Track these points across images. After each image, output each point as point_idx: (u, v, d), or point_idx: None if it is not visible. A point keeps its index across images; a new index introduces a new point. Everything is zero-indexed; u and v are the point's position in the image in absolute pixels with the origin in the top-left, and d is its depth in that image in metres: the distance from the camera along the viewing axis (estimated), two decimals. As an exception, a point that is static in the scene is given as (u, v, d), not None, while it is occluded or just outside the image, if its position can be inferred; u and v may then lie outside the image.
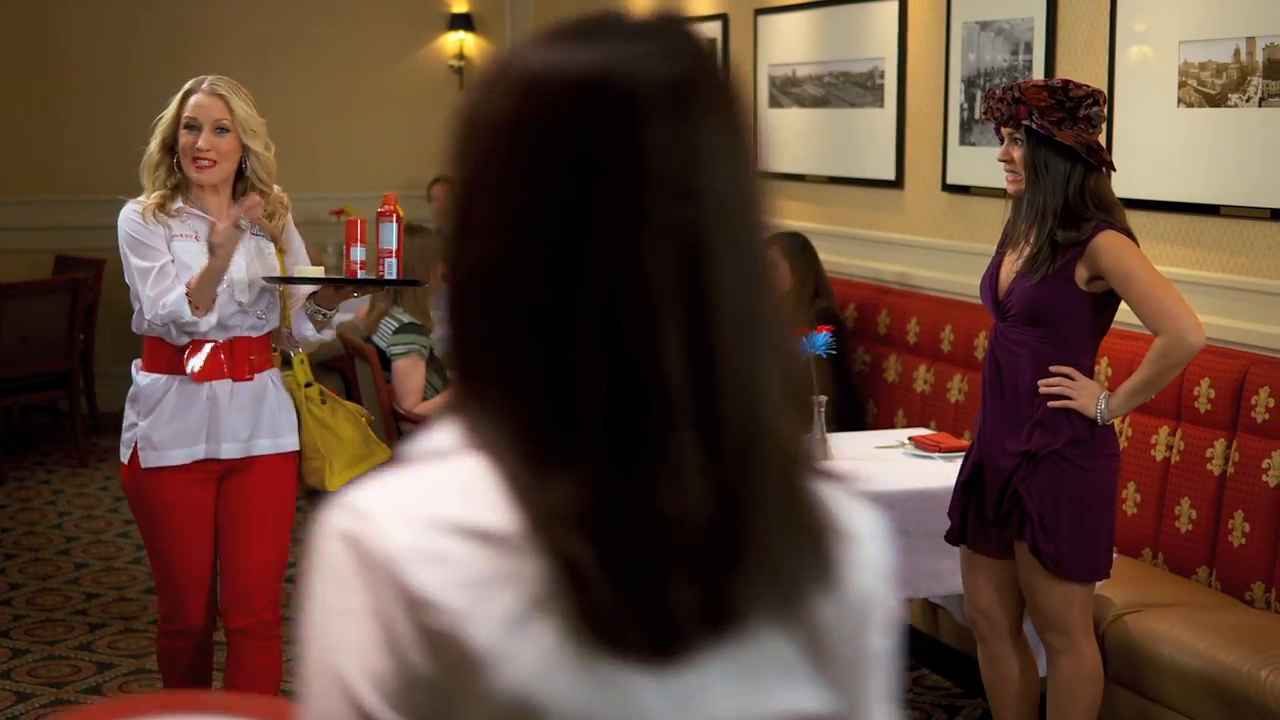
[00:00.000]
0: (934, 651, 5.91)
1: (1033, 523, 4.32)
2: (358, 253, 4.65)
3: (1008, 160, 4.36)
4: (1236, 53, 5.47)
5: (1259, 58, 5.38)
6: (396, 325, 6.53)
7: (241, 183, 4.61)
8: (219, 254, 4.39)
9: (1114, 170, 4.38)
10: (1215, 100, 5.58)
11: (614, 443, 1.21)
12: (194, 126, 4.50)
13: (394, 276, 4.67)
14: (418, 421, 6.45)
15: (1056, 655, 4.49)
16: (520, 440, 1.22)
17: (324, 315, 4.64)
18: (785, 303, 1.34)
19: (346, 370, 7.25)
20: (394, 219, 4.70)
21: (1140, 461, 5.42)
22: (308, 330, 4.63)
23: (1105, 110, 4.35)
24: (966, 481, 4.55)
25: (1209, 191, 5.67)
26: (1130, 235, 4.34)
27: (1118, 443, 4.50)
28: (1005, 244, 4.52)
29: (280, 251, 4.65)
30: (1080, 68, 6.24)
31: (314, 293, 4.60)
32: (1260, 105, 5.39)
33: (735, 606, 1.24)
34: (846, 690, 1.32)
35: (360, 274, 4.59)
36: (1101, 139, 4.40)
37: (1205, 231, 5.73)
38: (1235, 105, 5.50)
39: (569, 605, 1.20)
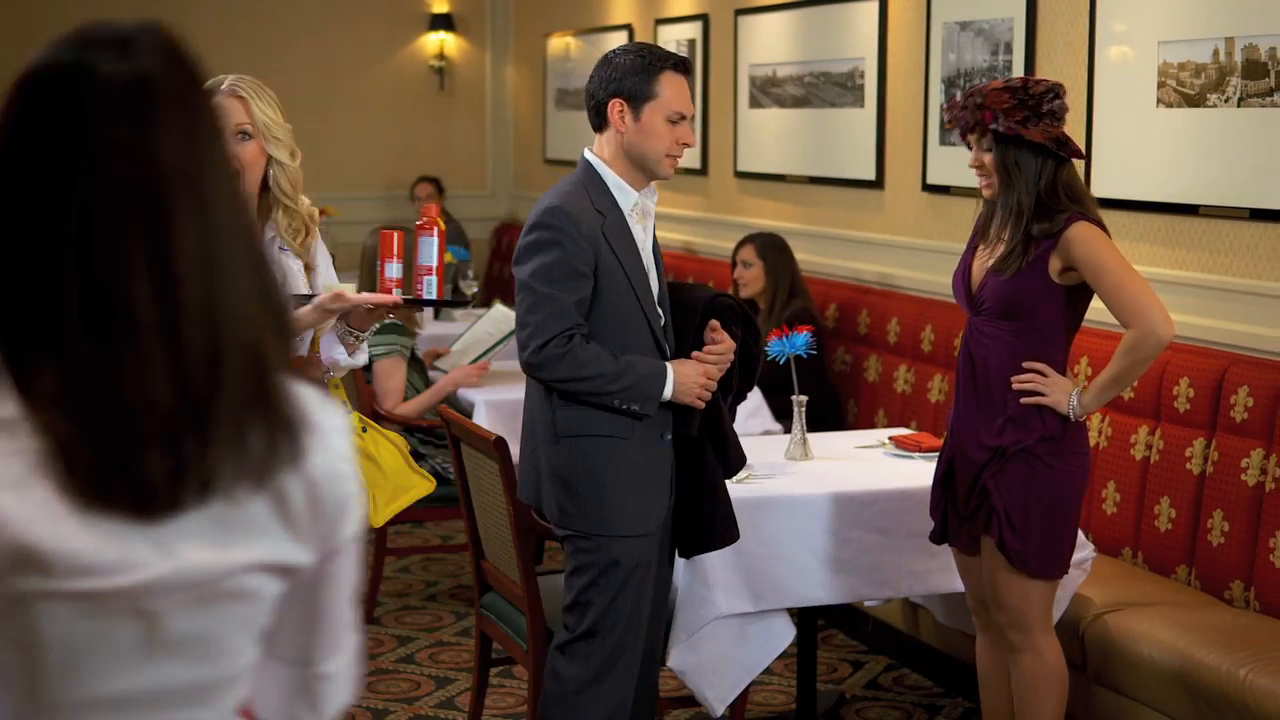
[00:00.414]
0: (915, 651, 5.92)
1: (1000, 519, 4.31)
2: (393, 269, 4.15)
3: (979, 166, 4.36)
4: (1215, 53, 5.49)
5: (1238, 58, 5.39)
6: (378, 325, 6.51)
7: (266, 196, 4.05)
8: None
9: (1083, 158, 4.37)
10: (1194, 100, 5.60)
11: (91, 348, 1.57)
12: None
13: (434, 295, 4.17)
14: (398, 422, 6.44)
15: (1018, 653, 4.47)
16: (17, 346, 1.59)
17: (356, 338, 4.14)
18: (257, 234, 1.69)
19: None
20: (434, 232, 4.14)
21: (1120, 461, 5.43)
22: (339, 354, 4.15)
23: (1067, 101, 4.33)
24: (943, 478, 4.56)
25: (1188, 191, 5.68)
26: (1102, 227, 4.34)
27: (1089, 441, 4.49)
28: (977, 239, 4.52)
29: (308, 269, 4.16)
30: (1060, 68, 6.26)
31: (346, 314, 4.07)
32: (1239, 105, 5.41)
33: (207, 475, 1.60)
34: (313, 546, 1.70)
35: (396, 292, 4.09)
36: (1069, 130, 4.40)
37: (1184, 231, 5.75)
38: (1214, 105, 5.52)
39: (59, 470, 1.56)
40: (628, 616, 4.25)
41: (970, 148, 4.40)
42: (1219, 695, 4.41)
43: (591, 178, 4.26)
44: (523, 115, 12.24)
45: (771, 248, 7.07)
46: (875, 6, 7.53)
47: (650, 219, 4.35)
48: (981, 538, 4.42)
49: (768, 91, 8.58)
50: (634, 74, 4.21)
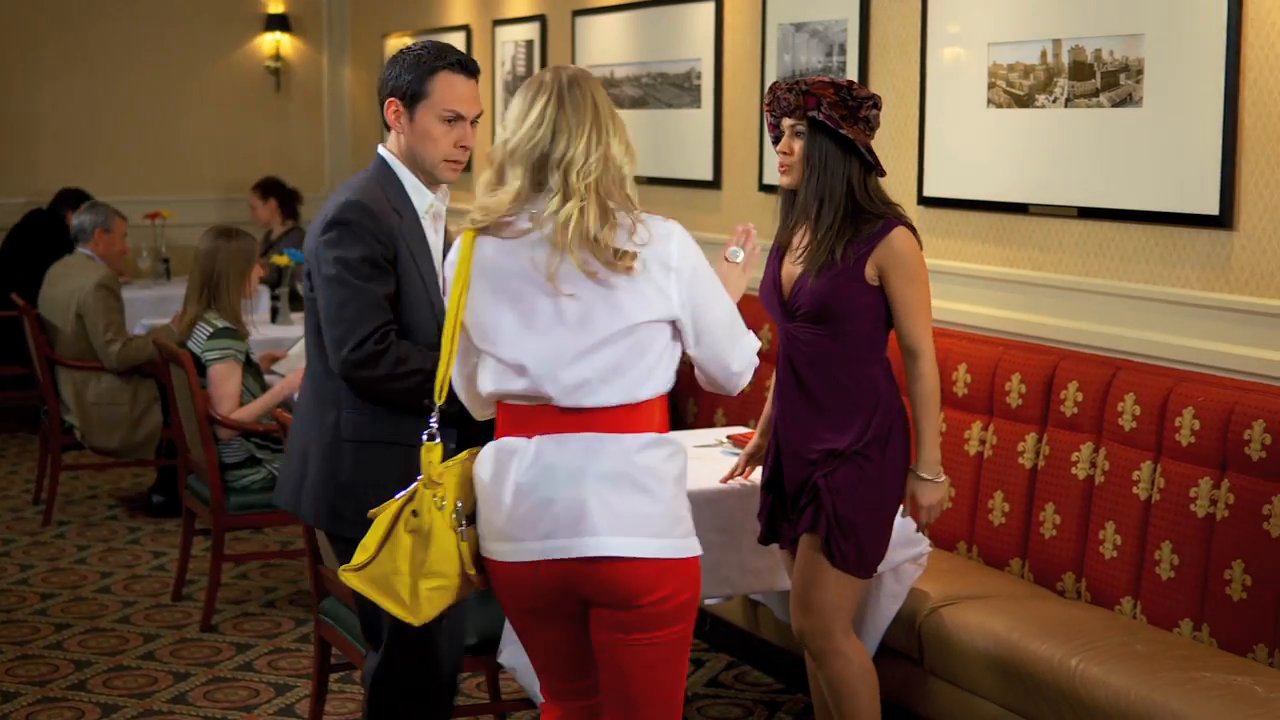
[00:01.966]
0: (754, 648, 5.95)
1: (828, 517, 4.33)
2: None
3: (787, 153, 4.38)
4: (1044, 54, 5.58)
5: (1065, 59, 5.49)
6: (211, 330, 6.44)
7: None
8: None
9: (884, 175, 4.42)
10: (1023, 101, 5.69)
11: None
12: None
13: None
14: (234, 427, 6.36)
15: (825, 659, 4.48)
16: None
17: None
18: None
19: (162, 376, 7.14)
20: None
21: (954, 457, 5.50)
22: None
23: (880, 116, 4.39)
24: (768, 483, 4.58)
25: (1018, 190, 5.77)
26: (918, 237, 4.41)
27: (909, 444, 4.52)
28: (778, 250, 4.54)
29: None
30: (892, 69, 6.33)
31: None
32: (1066, 106, 5.50)
33: None
34: None
35: None
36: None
37: (1014, 230, 5.84)
38: (1043, 106, 5.61)
39: None
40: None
41: (779, 137, 4.43)
42: (1051, 685, 4.48)
43: (388, 176, 4.14)
44: (360, 116, 12.15)
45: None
46: (711, 8, 7.57)
47: (442, 221, 4.22)
48: (804, 536, 4.43)
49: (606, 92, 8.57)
50: (409, 72, 4.07)
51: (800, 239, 4.44)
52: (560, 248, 3.38)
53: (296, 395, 6.50)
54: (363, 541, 3.47)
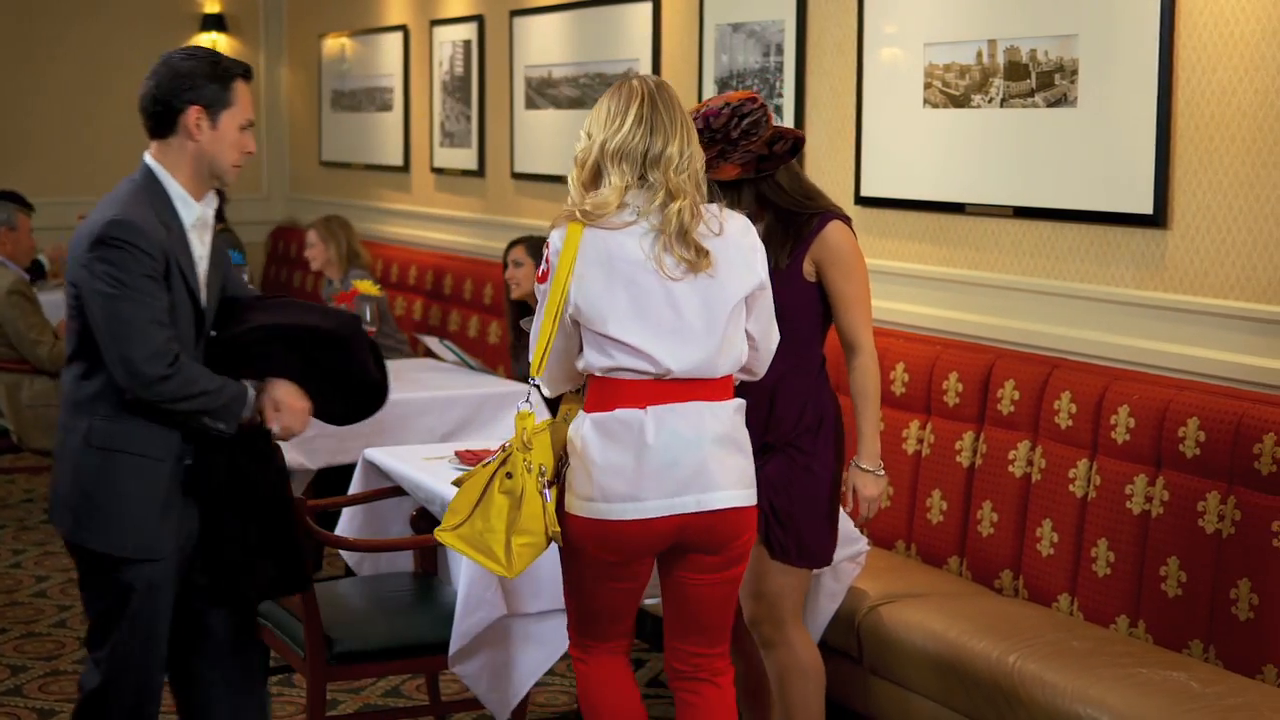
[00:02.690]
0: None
1: (764, 511, 4.33)
2: None
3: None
4: (979, 54, 5.61)
5: (1000, 59, 5.52)
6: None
7: None
8: None
9: (802, 144, 4.38)
10: (959, 101, 5.72)
11: None
12: None
13: None
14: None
15: (771, 649, 4.51)
16: None
17: None
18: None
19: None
20: None
21: (892, 456, 5.52)
22: None
23: (759, 105, 4.26)
24: None
25: (954, 190, 5.80)
26: (849, 224, 4.45)
27: (843, 431, 4.56)
28: None
29: None
30: (829, 69, 6.35)
31: None
32: (1002, 106, 5.53)
33: None
34: None
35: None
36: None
37: (950, 229, 5.87)
38: (978, 106, 5.64)
39: None
40: (144, 638, 4.09)
41: None
42: (989, 683, 4.50)
43: (154, 188, 4.11)
44: (298, 117, 12.10)
45: (541, 250, 7.04)
46: (649, 8, 7.58)
47: (209, 231, 4.20)
48: None
49: (543, 93, 8.58)
50: (211, 81, 4.08)
51: None
52: (668, 235, 3.76)
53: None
54: (452, 505, 3.86)
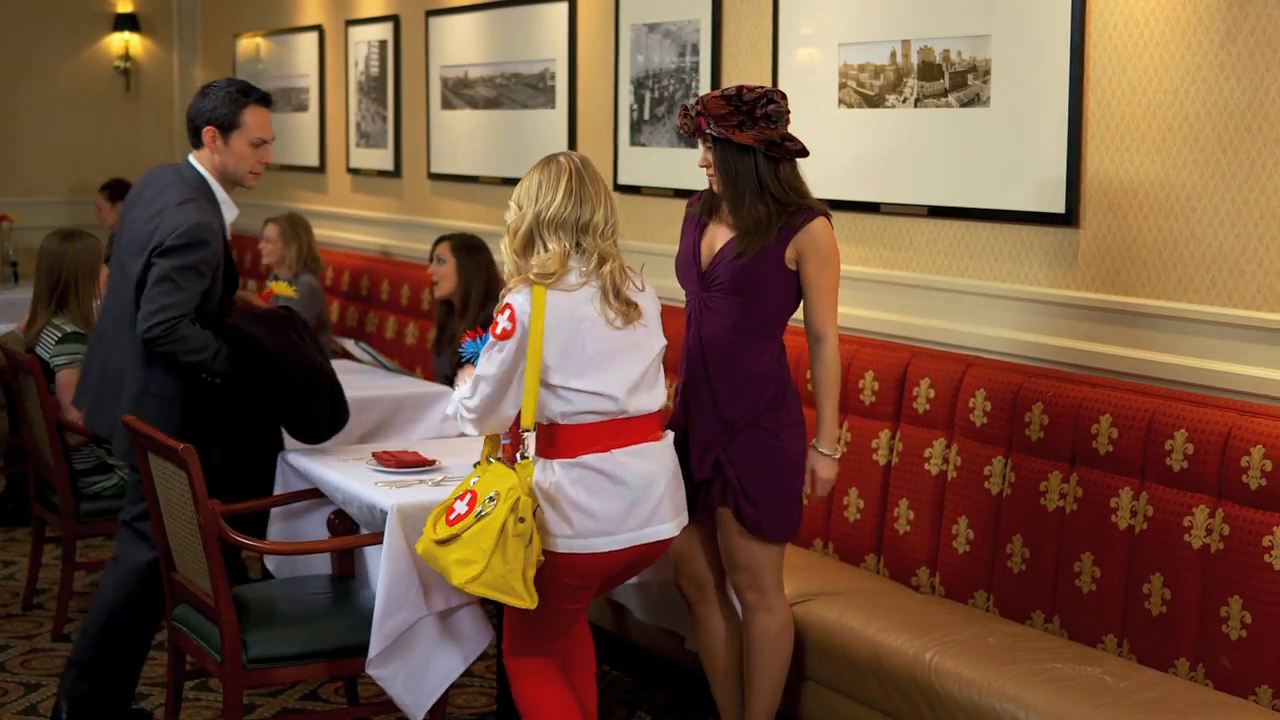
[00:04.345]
0: (616, 648, 5.95)
1: (734, 489, 4.59)
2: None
3: (706, 165, 4.64)
4: (893, 55, 5.64)
5: (914, 60, 5.55)
6: (59, 335, 6.34)
7: None
8: None
9: (805, 155, 4.62)
10: (874, 101, 5.75)
11: None
12: None
13: None
14: (84, 433, 6.27)
15: (752, 612, 4.73)
16: None
17: None
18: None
19: (10, 382, 7.01)
20: None
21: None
22: None
23: (786, 105, 4.61)
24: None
25: (869, 190, 5.83)
26: (832, 224, 4.65)
27: (802, 410, 4.70)
28: (697, 222, 4.75)
29: None
30: (745, 70, 6.37)
31: None
32: (916, 106, 5.57)
33: None
34: None
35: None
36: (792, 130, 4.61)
37: (866, 229, 5.90)
38: (893, 106, 5.67)
39: None
40: None
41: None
42: (906, 679, 4.53)
43: (206, 191, 5.12)
44: (212, 117, 12.00)
45: (464, 249, 7.03)
46: (565, 8, 7.58)
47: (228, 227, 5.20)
48: (718, 509, 4.66)
49: (460, 93, 8.57)
50: (225, 105, 5.11)
51: (727, 216, 4.67)
52: (607, 293, 4.22)
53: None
54: (464, 556, 4.15)
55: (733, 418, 4.59)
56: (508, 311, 4.19)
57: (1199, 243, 4.72)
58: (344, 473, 5.03)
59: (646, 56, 6.98)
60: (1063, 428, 4.80)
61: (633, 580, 4.93)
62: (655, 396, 4.31)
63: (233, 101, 5.11)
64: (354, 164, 9.83)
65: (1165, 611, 4.48)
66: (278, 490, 5.36)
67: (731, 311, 4.60)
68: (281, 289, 6.99)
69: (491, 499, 4.15)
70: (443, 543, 4.20)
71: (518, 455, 4.26)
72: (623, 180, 7.19)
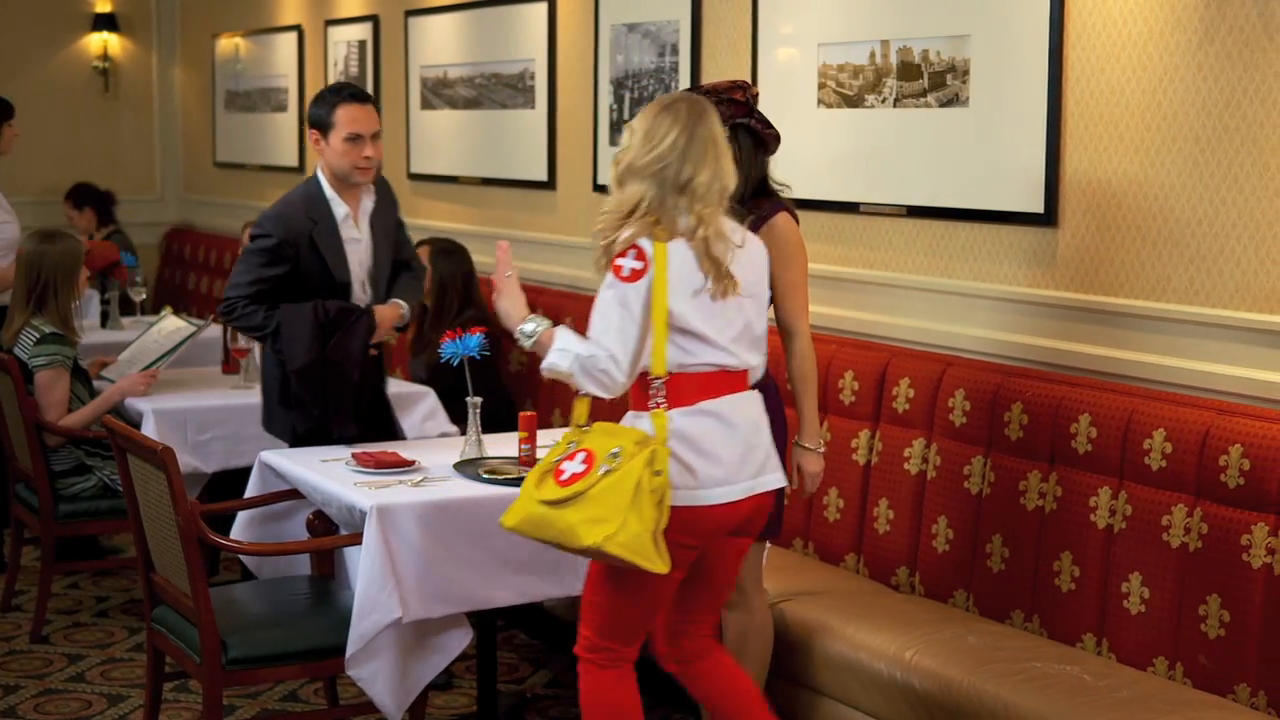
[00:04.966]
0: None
1: None
2: None
3: None
4: (872, 55, 5.65)
5: (893, 60, 5.56)
6: (38, 336, 6.32)
7: None
8: None
9: (777, 146, 4.72)
10: (853, 101, 5.75)
11: None
12: None
13: None
14: (63, 434, 6.26)
15: (730, 610, 4.69)
16: None
17: None
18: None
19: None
20: None
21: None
22: None
23: (754, 101, 4.67)
24: None
25: (848, 190, 5.84)
26: (798, 221, 4.66)
27: (785, 410, 4.71)
28: None
29: None
30: (724, 69, 6.37)
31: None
32: (895, 106, 5.57)
33: None
34: None
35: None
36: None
37: (845, 228, 5.90)
38: (872, 106, 5.67)
39: None
40: None
41: None
42: (886, 679, 4.53)
43: (313, 191, 5.42)
44: (191, 118, 11.99)
45: (442, 253, 7.03)
46: (544, 8, 7.57)
47: (365, 218, 5.46)
48: None
49: (439, 93, 8.56)
50: (319, 108, 5.37)
51: None
52: (704, 252, 4.01)
53: (128, 401, 6.44)
54: (594, 514, 3.88)
55: None
56: (633, 251, 3.98)
57: (1177, 242, 4.73)
58: (323, 473, 5.02)
59: (626, 56, 6.98)
60: (1042, 427, 4.81)
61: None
62: (760, 353, 4.18)
63: (326, 102, 5.35)
64: (333, 164, 9.81)
65: (1144, 610, 4.49)
66: (256, 491, 5.35)
67: None
68: None
69: (614, 454, 3.91)
70: (557, 504, 3.93)
71: (651, 405, 4.03)
72: (603, 180, 7.19)
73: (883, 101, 5.63)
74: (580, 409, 4.10)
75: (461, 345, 5.18)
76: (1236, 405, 4.43)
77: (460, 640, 4.75)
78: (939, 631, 4.67)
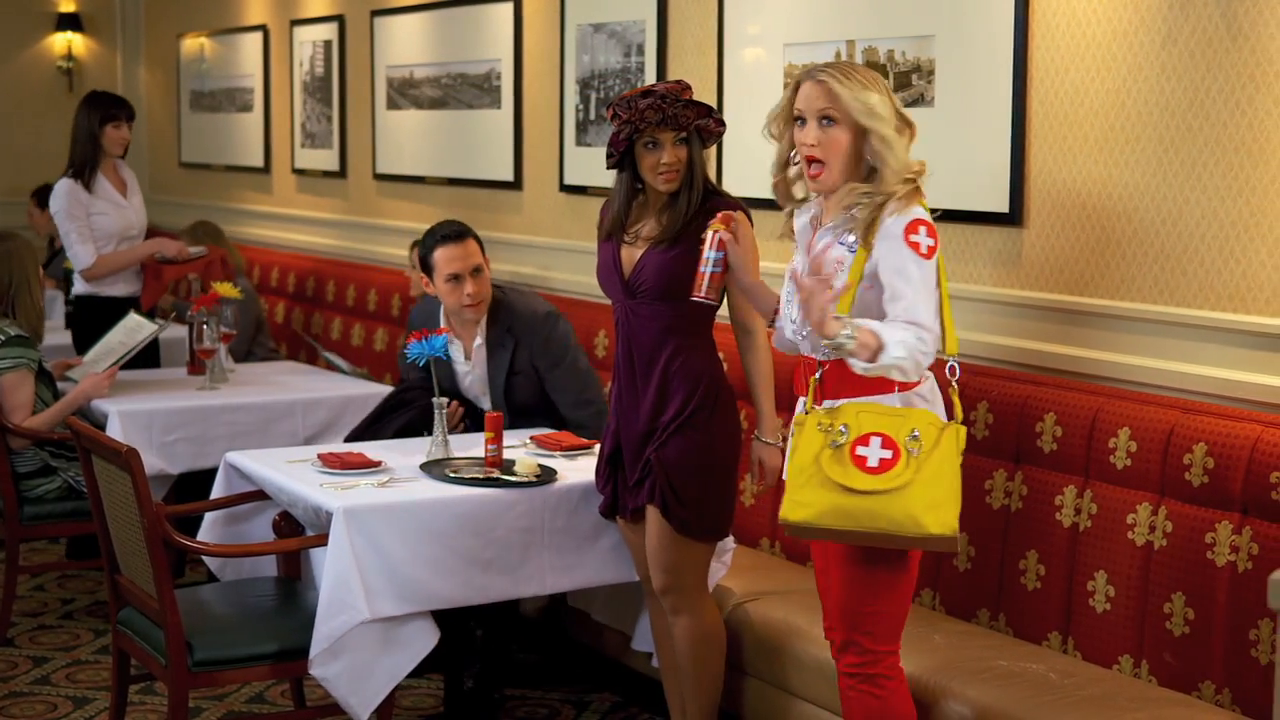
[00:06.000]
0: (566, 648, 5.95)
1: (663, 487, 4.58)
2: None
3: (674, 161, 4.61)
4: (838, 55, 5.65)
5: (858, 60, 5.56)
6: (3, 339, 6.29)
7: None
8: None
9: (722, 135, 4.74)
10: (819, 101, 5.74)
11: None
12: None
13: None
14: (27, 436, 6.23)
15: (677, 615, 4.70)
16: None
17: None
18: None
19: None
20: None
21: (756, 453, 5.54)
22: None
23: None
24: (610, 456, 4.79)
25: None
26: (751, 220, 4.67)
27: (738, 411, 4.74)
28: (614, 232, 4.74)
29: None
30: (690, 69, 6.37)
31: None
32: (860, 106, 5.57)
33: None
34: None
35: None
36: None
37: (812, 228, 5.90)
38: (837, 106, 5.67)
39: None
40: None
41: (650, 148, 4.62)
42: (853, 678, 4.54)
43: (433, 312, 5.79)
44: (156, 118, 11.95)
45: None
46: (510, 8, 7.57)
47: (479, 353, 5.69)
48: (647, 507, 4.66)
49: (405, 93, 8.55)
50: (423, 250, 5.65)
51: (641, 225, 4.69)
52: None
53: (94, 403, 6.41)
54: (933, 499, 3.74)
55: (665, 419, 4.61)
56: (924, 228, 3.90)
57: (1141, 242, 4.75)
58: (289, 474, 5.01)
59: (592, 57, 6.98)
60: (1007, 426, 4.83)
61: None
62: None
63: (426, 245, 5.63)
64: (299, 164, 9.79)
65: (1109, 609, 4.50)
66: (221, 492, 5.33)
67: (661, 315, 4.62)
68: (226, 290, 6.97)
69: (915, 436, 3.75)
70: (880, 493, 3.71)
71: (953, 383, 3.95)
72: (569, 180, 7.19)
73: (848, 101, 5.62)
74: (812, 394, 4.00)
75: (427, 346, 5.18)
76: (1201, 404, 4.45)
77: (427, 640, 4.73)
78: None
